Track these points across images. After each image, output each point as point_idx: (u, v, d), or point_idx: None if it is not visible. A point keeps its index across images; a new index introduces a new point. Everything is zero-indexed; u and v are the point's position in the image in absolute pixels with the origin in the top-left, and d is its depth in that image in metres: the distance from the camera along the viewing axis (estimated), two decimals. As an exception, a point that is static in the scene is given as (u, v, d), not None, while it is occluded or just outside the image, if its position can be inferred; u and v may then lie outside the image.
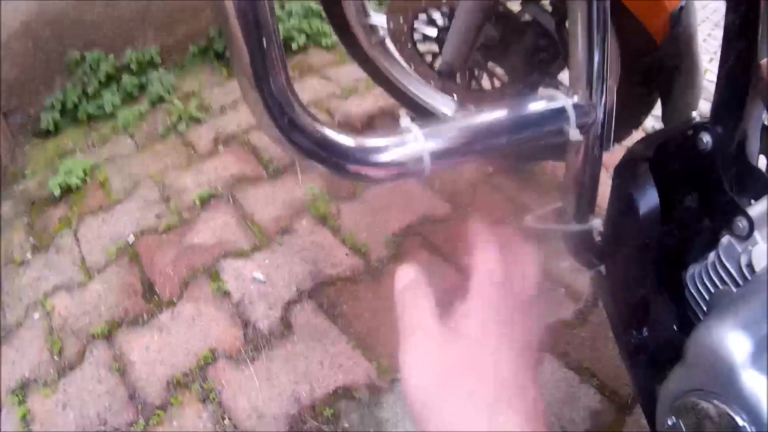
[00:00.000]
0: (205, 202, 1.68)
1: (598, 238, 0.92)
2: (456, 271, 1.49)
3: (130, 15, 2.20)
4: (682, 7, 1.11)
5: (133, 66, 2.22)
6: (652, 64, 1.19)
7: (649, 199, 0.77)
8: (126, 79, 2.20)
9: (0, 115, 2.03)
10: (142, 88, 2.23)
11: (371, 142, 0.56)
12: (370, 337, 1.34)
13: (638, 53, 1.20)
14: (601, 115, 0.76)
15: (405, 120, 0.58)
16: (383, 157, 0.56)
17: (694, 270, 0.74)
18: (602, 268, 0.90)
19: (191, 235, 1.59)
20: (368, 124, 1.93)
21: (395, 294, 0.50)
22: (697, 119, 0.77)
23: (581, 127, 0.71)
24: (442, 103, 1.76)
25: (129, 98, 2.21)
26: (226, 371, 1.28)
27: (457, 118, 0.67)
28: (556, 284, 1.42)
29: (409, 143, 0.57)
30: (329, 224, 1.60)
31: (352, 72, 2.15)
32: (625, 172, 0.80)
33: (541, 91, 0.77)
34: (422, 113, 1.85)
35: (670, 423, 0.59)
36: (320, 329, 1.35)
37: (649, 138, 0.84)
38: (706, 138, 0.71)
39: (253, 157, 1.82)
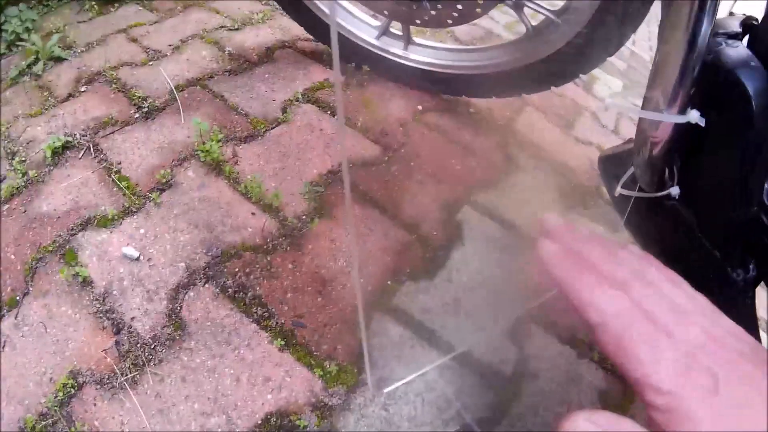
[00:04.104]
0: (59, 154, 1.14)
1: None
2: (396, 225, 1.06)
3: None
4: None
5: (-10, 1, 1.61)
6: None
7: (759, 80, 0.58)
8: (-20, 16, 1.59)
9: None
10: (-1, 28, 1.64)
11: None
12: (304, 331, 0.89)
13: None
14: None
15: None
16: None
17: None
18: (674, 190, 0.70)
19: (39, 201, 1.06)
20: (266, 56, 1.44)
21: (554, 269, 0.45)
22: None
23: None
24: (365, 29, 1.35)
25: (-19, 40, 1.61)
26: (98, 404, 0.79)
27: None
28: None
29: None
30: (225, 173, 1.10)
31: (244, 4, 1.69)
32: (718, 51, 0.61)
33: None
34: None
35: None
36: (227, 325, 0.88)
37: (725, 20, 0.65)
38: (780, 26, 0.56)
39: (122, 95, 1.27)
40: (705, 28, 0.59)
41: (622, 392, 0.91)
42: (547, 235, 0.50)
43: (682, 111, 0.64)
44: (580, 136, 1.50)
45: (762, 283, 0.68)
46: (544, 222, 0.51)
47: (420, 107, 1.36)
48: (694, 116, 0.62)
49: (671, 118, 0.65)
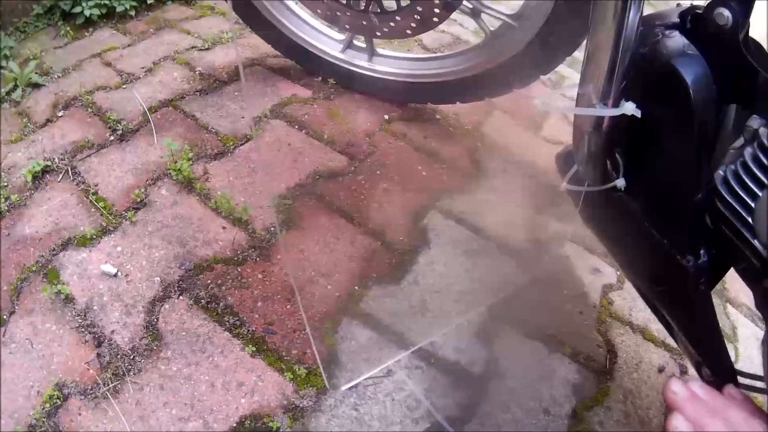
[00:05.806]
0: (39, 178, 1.18)
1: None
2: (362, 232, 1.11)
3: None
4: None
5: (-31, 31, 1.65)
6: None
7: (697, 68, 0.59)
8: (-42, 47, 1.62)
9: None
10: (-24, 57, 1.67)
11: None
12: (274, 337, 0.93)
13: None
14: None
15: None
16: None
17: (725, 170, 0.61)
18: (620, 182, 0.71)
19: (22, 224, 1.10)
20: (236, 75, 1.48)
21: None
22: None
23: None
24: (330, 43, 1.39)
25: (-40, 69, 1.64)
26: (83, 414, 0.84)
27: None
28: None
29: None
30: (196, 190, 1.15)
31: (215, 24, 1.73)
32: (655, 42, 0.62)
33: None
34: (301, 57, 1.46)
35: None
36: (202, 334, 0.93)
37: (664, 12, 0.66)
38: (726, 13, 0.56)
39: (97, 119, 1.32)
40: (632, 19, 0.60)
41: (596, 385, 0.95)
42: (676, 405, 0.54)
43: (616, 104, 0.65)
44: (548, 135, 1.54)
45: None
46: (669, 390, 0.54)
47: (387, 117, 1.41)
48: (628, 108, 0.63)
49: (604, 111, 0.66)
